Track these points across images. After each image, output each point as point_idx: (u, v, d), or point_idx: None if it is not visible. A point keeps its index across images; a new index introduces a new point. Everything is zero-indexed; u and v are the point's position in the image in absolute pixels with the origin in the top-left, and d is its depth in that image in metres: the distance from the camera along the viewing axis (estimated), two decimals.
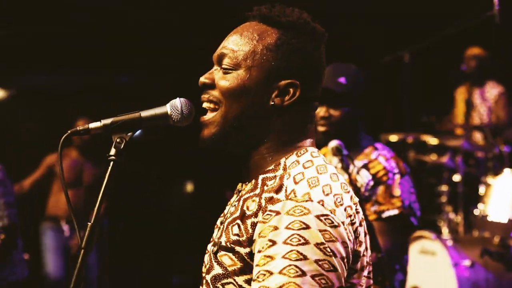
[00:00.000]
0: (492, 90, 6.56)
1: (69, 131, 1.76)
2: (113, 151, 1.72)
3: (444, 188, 5.75)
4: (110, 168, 1.71)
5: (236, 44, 1.67)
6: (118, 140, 1.73)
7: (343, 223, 1.50)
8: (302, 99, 1.66)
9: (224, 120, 1.67)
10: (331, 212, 1.49)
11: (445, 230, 5.47)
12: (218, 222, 1.77)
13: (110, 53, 7.65)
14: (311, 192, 1.51)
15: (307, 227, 1.46)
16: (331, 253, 1.45)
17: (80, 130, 1.76)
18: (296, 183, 1.54)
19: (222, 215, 1.79)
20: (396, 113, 6.76)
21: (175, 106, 1.77)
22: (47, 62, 7.63)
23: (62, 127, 5.43)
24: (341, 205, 1.52)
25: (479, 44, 6.53)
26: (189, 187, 8.69)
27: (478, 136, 6.30)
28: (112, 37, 7.56)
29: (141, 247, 7.32)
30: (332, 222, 1.48)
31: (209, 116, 1.70)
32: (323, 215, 1.48)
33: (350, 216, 1.54)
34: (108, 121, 1.75)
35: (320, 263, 1.44)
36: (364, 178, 2.77)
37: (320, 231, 1.46)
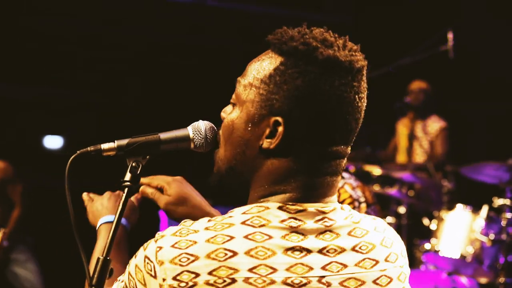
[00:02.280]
0: (434, 124, 6.63)
1: (78, 152, 1.60)
2: (128, 176, 1.56)
3: (390, 220, 5.73)
4: (124, 195, 1.53)
5: (243, 75, 1.48)
6: (134, 164, 1.57)
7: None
8: (294, 141, 1.39)
9: (221, 161, 1.51)
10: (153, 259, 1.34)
11: None
12: None
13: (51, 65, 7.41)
14: (165, 233, 1.36)
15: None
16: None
17: (91, 150, 1.61)
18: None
19: None
20: None
21: (198, 129, 1.63)
22: None
23: None
24: (180, 265, 1.31)
25: (424, 77, 6.59)
26: None
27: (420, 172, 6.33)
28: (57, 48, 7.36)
29: (70, 263, 6.98)
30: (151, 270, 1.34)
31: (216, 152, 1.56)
32: (146, 258, 1.35)
33: (180, 281, 1.31)
34: (123, 142, 1.59)
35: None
36: None
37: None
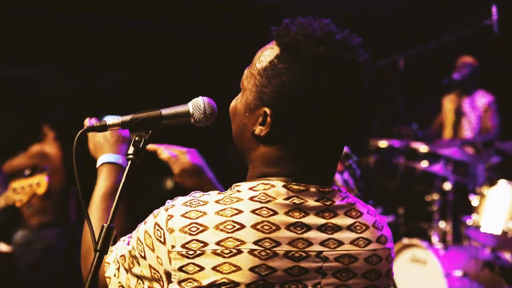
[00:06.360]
0: (482, 99, 6.57)
1: (84, 127, 1.70)
2: (131, 149, 1.66)
3: (435, 196, 5.71)
4: (127, 167, 1.64)
5: (250, 64, 1.57)
6: (137, 138, 1.67)
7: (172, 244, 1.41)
8: (281, 132, 1.47)
9: (233, 137, 1.62)
10: (163, 222, 1.43)
11: (434, 239, 5.43)
12: None
13: (86, 50, 7.56)
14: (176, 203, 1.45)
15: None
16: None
17: (97, 126, 1.71)
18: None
19: None
20: (387, 119, 6.73)
21: (197, 105, 1.72)
22: (21, 54, 7.55)
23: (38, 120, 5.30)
24: (190, 234, 1.40)
25: (471, 53, 6.52)
26: (169, 183, 8.59)
27: (468, 148, 6.27)
28: (90, 35, 7.49)
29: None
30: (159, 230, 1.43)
31: None
32: (156, 224, 1.44)
33: (188, 249, 1.39)
34: (127, 118, 1.70)
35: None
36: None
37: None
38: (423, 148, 5.94)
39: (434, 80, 6.55)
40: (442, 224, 5.55)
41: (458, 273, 4.79)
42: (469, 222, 4.87)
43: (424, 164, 5.89)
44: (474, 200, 4.91)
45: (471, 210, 4.98)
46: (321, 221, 1.47)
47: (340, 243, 1.47)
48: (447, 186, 5.72)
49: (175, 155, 2.05)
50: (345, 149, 2.69)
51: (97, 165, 1.89)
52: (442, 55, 6.28)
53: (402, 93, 6.04)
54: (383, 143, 6.26)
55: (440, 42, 5.64)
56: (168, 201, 1.47)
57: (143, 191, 7.89)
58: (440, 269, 4.80)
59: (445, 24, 6.18)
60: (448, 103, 6.76)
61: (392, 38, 6.90)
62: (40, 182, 3.67)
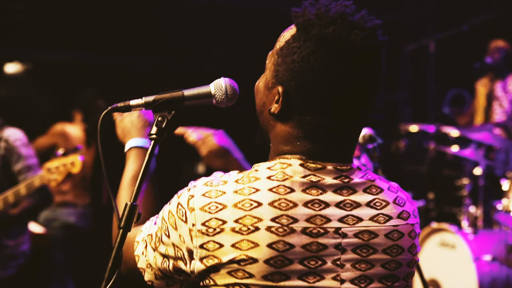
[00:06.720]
0: None
1: (109, 108, 1.74)
2: (154, 129, 1.69)
3: (465, 181, 5.67)
4: (150, 146, 1.67)
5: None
6: (159, 118, 1.70)
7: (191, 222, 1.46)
8: (292, 110, 1.50)
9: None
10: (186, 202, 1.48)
11: (464, 223, 5.39)
12: None
13: (126, 33, 7.63)
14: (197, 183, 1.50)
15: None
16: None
17: (121, 106, 1.74)
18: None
19: None
20: (418, 103, 6.68)
21: (219, 86, 1.74)
22: (63, 38, 7.64)
23: (72, 102, 5.36)
24: (209, 212, 1.45)
25: (504, 37, 6.43)
26: (201, 168, 8.62)
27: (499, 132, 6.19)
28: (130, 18, 7.55)
29: None
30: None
31: None
32: (179, 204, 1.49)
33: (208, 227, 1.44)
34: (149, 98, 1.73)
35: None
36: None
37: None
38: (454, 132, 5.88)
39: (467, 64, 6.47)
40: (472, 209, 5.51)
41: (487, 257, 4.77)
42: (499, 206, 4.84)
43: (455, 148, 5.84)
44: (504, 184, 4.87)
45: (501, 195, 4.94)
46: (339, 198, 1.48)
47: (359, 219, 1.49)
48: (478, 171, 5.67)
49: (201, 137, 2.09)
50: (370, 132, 2.70)
51: (125, 149, 1.96)
52: (475, 37, 6.21)
53: (433, 76, 5.99)
54: (413, 128, 6.22)
55: (473, 24, 5.57)
56: (192, 182, 1.52)
57: (175, 175, 7.95)
58: (469, 253, 4.78)
59: (479, 6, 6.10)
60: (481, 87, 6.68)
61: (423, 21, 6.83)
62: (74, 162, 3.73)
